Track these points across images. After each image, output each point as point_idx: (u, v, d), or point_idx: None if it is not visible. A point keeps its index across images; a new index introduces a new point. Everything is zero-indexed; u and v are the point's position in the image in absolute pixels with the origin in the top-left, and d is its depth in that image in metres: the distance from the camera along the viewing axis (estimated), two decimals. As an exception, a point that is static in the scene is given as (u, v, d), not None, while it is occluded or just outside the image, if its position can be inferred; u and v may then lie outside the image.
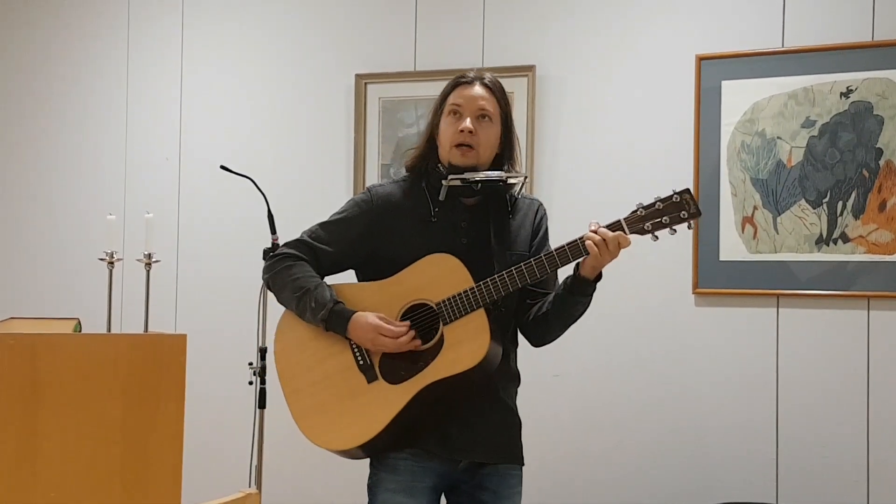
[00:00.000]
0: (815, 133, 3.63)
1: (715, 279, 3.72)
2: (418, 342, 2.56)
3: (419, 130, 4.16)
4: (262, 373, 3.45)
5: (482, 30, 4.10)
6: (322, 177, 4.31)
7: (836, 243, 3.59)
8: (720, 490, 3.65)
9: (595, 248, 2.47)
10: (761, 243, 3.68)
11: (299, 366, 2.68)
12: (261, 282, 3.43)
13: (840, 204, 3.59)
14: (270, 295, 3.43)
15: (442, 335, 2.56)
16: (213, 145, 4.47)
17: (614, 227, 2.52)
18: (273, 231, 3.45)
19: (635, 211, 2.53)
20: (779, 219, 3.66)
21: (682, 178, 3.77)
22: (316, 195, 4.26)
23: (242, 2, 4.52)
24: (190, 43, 4.58)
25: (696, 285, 3.75)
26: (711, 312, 3.76)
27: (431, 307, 2.57)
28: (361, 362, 2.61)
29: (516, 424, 2.71)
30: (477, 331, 2.53)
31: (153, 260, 3.65)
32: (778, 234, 3.66)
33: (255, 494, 1.89)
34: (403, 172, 2.81)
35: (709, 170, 3.75)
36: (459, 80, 2.68)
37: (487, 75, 2.70)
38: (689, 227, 2.54)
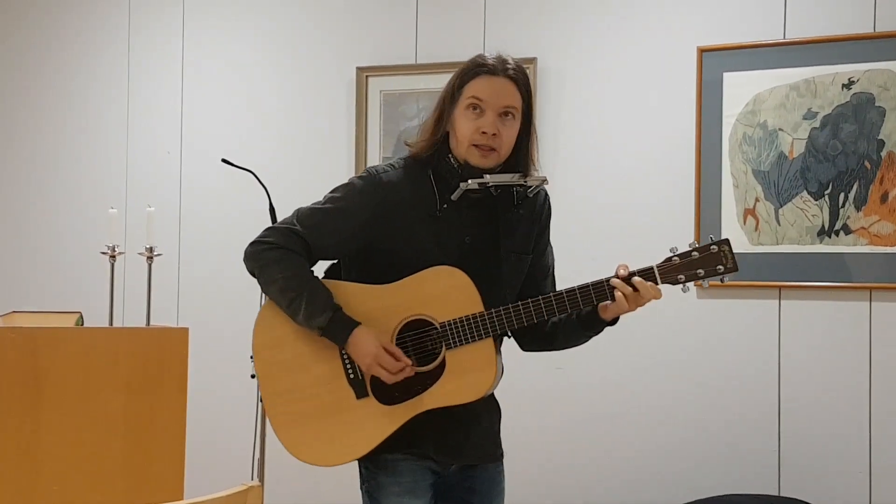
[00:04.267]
0: (817, 125, 3.62)
1: (717, 271, 3.71)
2: (412, 372, 2.38)
3: (420, 123, 4.14)
4: (264, 366, 3.44)
5: (483, 22, 4.09)
6: (323, 170, 4.30)
7: (837, 235, 3.59)
8: (722, 482, 3.66)
9: (624, 300, 2.31)
10: (763, 235, 3.68)
11: (280, 366, 2.48)
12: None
13: (842, 195, 3.59)
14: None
15: (443, 360, 2.38)
16: (215, 139, 4.46)
17: (646, 274, 2.34)
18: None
19: (670, 258, 2.36)
20: (780, 210, 3.66)
21: (683, 170, 3.78)
22: (317, 189, 4.20)
23: (243, -5, 4.52)
24: (191, 36, 4.58)
25: (697, 277, 3.75)
26: (713, 305, 3.76)
27: (434, 327, 2.39)
28: (352, 375, 2.42)
29: (499, 420, 2.61)
30: (483, 362, 2.37)
31: (155, 253, 3.66)
32: (780, 225, 3.66)
33: (258, 487, 1.89)
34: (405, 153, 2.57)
35: (710, 162, 3.74)
36: (480, 69, 2.40)
37: (511, 62, 2.42)
38: (721, 281, 2.37)
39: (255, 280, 3.53)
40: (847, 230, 3.58)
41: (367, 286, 2.45)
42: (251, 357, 3.42)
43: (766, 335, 3.68)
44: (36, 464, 3.15)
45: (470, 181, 2.39)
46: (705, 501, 3.52)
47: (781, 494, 3.61)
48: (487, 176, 2.39)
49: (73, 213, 4.71)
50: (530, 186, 2.47)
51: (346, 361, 2.44)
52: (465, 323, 2.37)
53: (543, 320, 2.43)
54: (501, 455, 2.59)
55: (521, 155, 2.46)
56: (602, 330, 2.47)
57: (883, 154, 3.55)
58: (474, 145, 2.40)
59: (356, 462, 2.55)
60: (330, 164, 4.29)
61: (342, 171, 4.25)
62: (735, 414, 3.71)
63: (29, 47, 4.84)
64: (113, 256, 3.62)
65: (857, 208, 3.57)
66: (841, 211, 3.59)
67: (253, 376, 3.44)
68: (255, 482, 1.89)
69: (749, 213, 3.70)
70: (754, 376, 3.69)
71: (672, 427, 3.79)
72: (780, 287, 3.67)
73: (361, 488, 2.55)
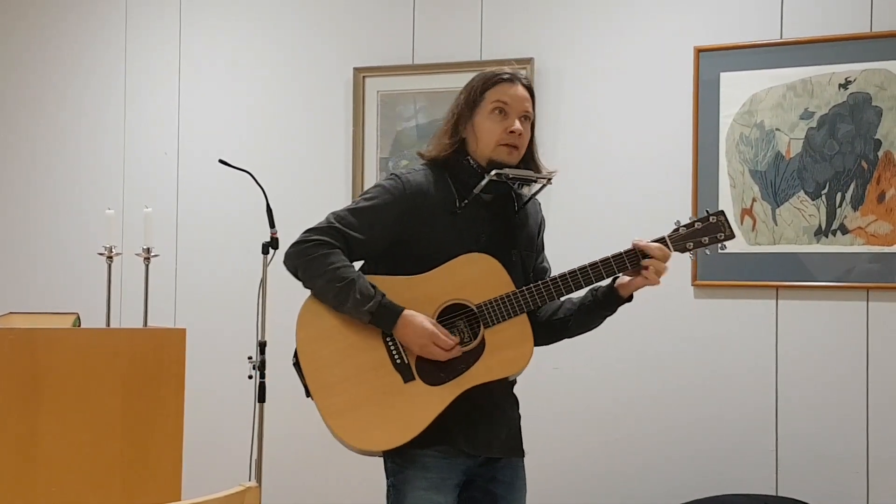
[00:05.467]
0: (814, 124, 3.63)
1: (714, 271, 3.72)
2: (460, 351, 2.52)
3: (417, 124, 4.15)
4: (261, 367, 3.45)
5: (480, 22, 4.10)
6: (320, 171, 4.30)
7: (834, 235, 3.59)
8: (720, 482, 3.66)
9: (651, 272, 2.54)
10: (760, 235, 3.68)
11: (328, 359, 2.56)
12: (260, 276, 3.45)
13: (839, 195, 3.59)
14: (269, 289, 3.46)
15: (483, 339, 2.53)
16: (212, 139, 4.46)
17: (658, 242, 2.58)
18: (272, 225, 3.45)
19: (676, 229, 2.59)
20: (778, 210, 3.66)
21: (681, 170, 3.79)
22: (314, 189, 4.26)
23: (240, -5, 4.52)
24: (188, 37, 4.57)
25: (695, 277, 3.75)
26: (711, 304, 3.76)
27: (471, 309, 2.55)
28: (398, 361, 2.54)
29: (520, 418, 2.73)
30: (520, 337, 2.54)
31: (152, 254, 3.65)
32: (777, 225, 3.66)
33: (255, 488, 1.89)
34: (420, 161, 2.73)
35: (707, 162, 3.75)
36: (501, 78, 2.64)
37: (523, 74, 2.67)
38: (720, 249, 2.60)
39: (251, 280, 3.55)
40: (844, 230, 3.58)
41: (400, 277, 2.59)
42: (249, 358, 3.45)
43: (764, 335, 3.69)
44: (33, 464, 3.15)
45: (494, 171, 2.57)
46: (702, 501, 3.52)
47: (779, 494, 3.62)
48: (508, 169, 2.60)
49: (70, 214, 4.71)
50: (538, 180, 2.67)
51: (391, 347, 2.55)
52: (500, 302, 2.54)
53: (561, 304, 2.69)
54: (523, 451, 2.71)
55: (529, 156, 2.69)
56: (616, 310, 2.67)
57: (880, 154, 3.55)
58: (502, 144, 2.61)
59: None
60: (327, 164, 4.29)
61: (339, 172, 4.25)
62: (732, 413, 3.71)
63: (26, 49, 4.83)
64: (110, 257, 3.62)
65: (854, 208, 3.57)
66: (838, 211, 3.59)
67: (250, 377, 3.45)
68: (253, 483, 1.89)
69: (746, 213, 3.70)
70: (751, 376, 3.69)
71: (669, 427, 3.79)
72: (777, 287, 3.67)
73: (387, 482, 2.62)
